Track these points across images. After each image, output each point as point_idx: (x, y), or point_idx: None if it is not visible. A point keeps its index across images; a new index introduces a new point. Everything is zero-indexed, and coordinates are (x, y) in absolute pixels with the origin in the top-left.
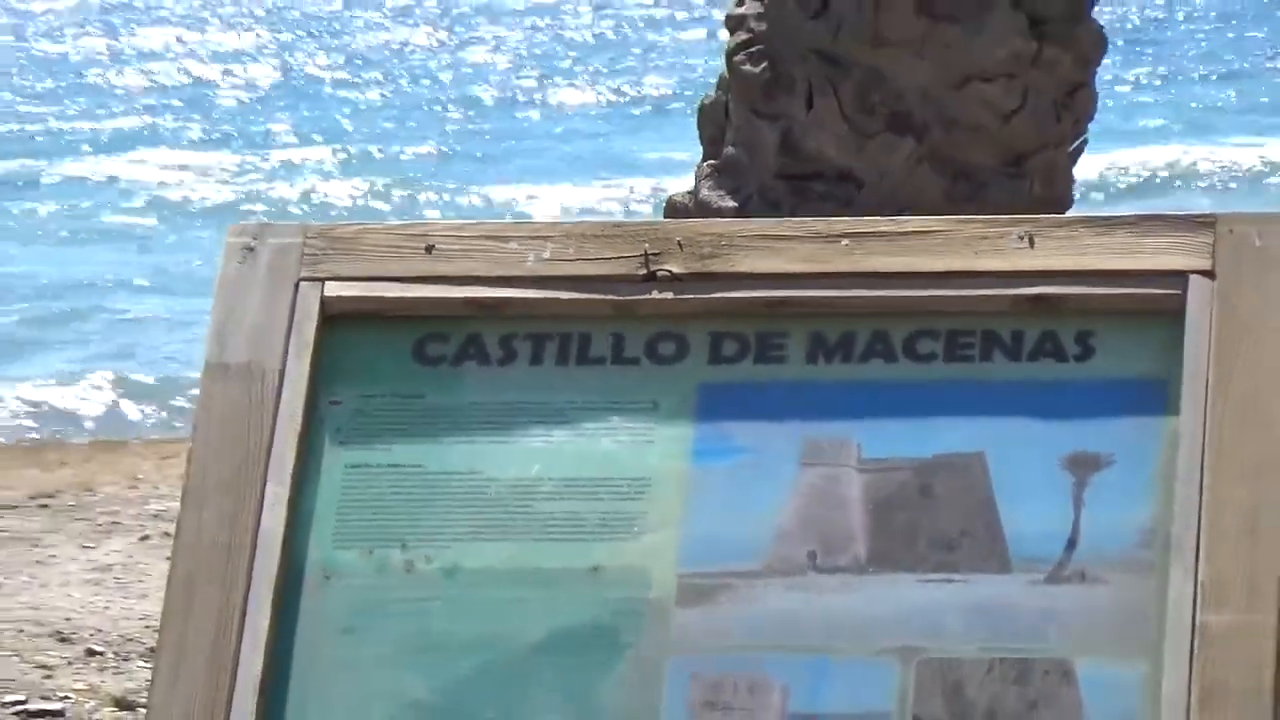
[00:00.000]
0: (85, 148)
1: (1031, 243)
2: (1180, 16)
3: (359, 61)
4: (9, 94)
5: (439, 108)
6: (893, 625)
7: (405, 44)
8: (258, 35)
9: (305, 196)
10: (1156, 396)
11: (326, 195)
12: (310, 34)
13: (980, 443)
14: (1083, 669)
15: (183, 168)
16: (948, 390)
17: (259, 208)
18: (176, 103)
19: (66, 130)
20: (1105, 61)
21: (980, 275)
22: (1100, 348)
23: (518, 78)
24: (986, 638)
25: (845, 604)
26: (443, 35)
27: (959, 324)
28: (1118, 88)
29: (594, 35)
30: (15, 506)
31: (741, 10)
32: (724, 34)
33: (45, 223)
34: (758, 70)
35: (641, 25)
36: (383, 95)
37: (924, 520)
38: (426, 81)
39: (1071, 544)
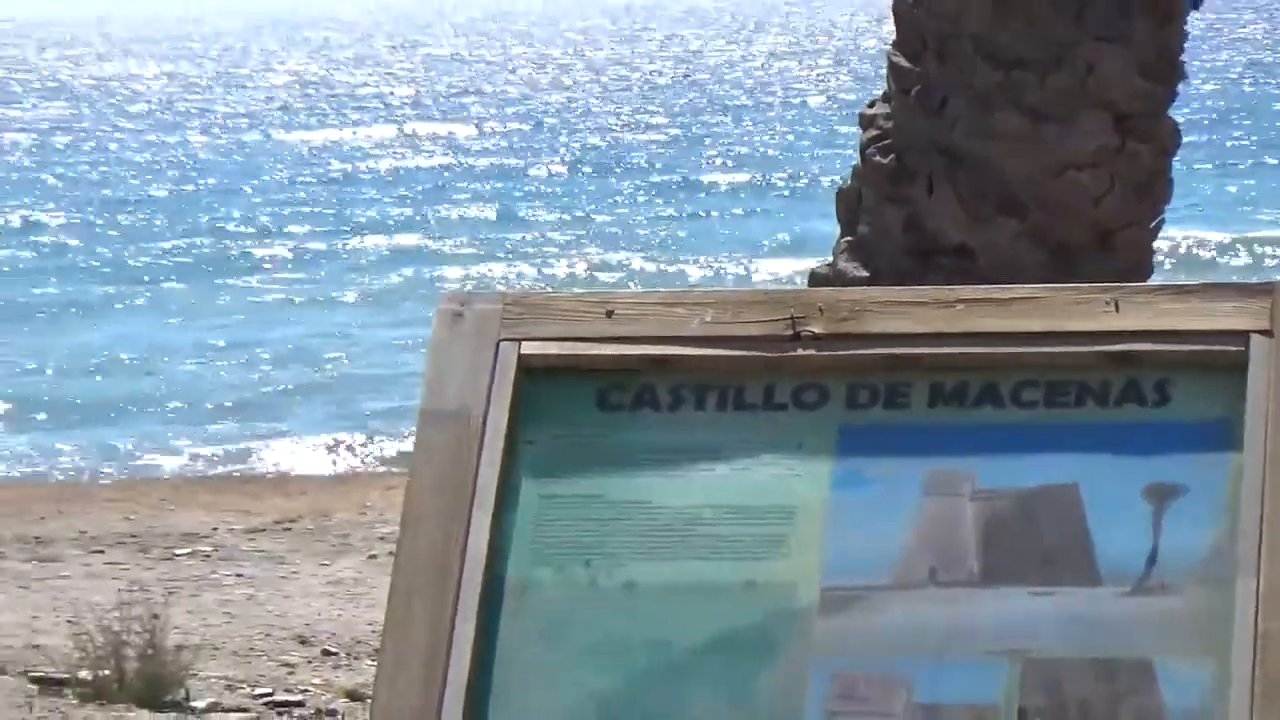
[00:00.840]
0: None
1: (1117, 307)
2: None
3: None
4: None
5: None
6: (1002, 631)
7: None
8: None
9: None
10: (1224, 436)
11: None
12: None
13: (1074, 476)
14: (1161, 667)
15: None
16: (1047, 432)
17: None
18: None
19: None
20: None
21: (1074, 335)
22: (1176, 395)
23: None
24: (1080, 641)
25: (961, 613)
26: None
27: (1056, 376)
28: (1196, 165)
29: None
30: (264, 530)
31: (873, 111)
32: (859, 130)
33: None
34: (886, 161)
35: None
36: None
37: (1027, 542)
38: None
39: (1152, 561)
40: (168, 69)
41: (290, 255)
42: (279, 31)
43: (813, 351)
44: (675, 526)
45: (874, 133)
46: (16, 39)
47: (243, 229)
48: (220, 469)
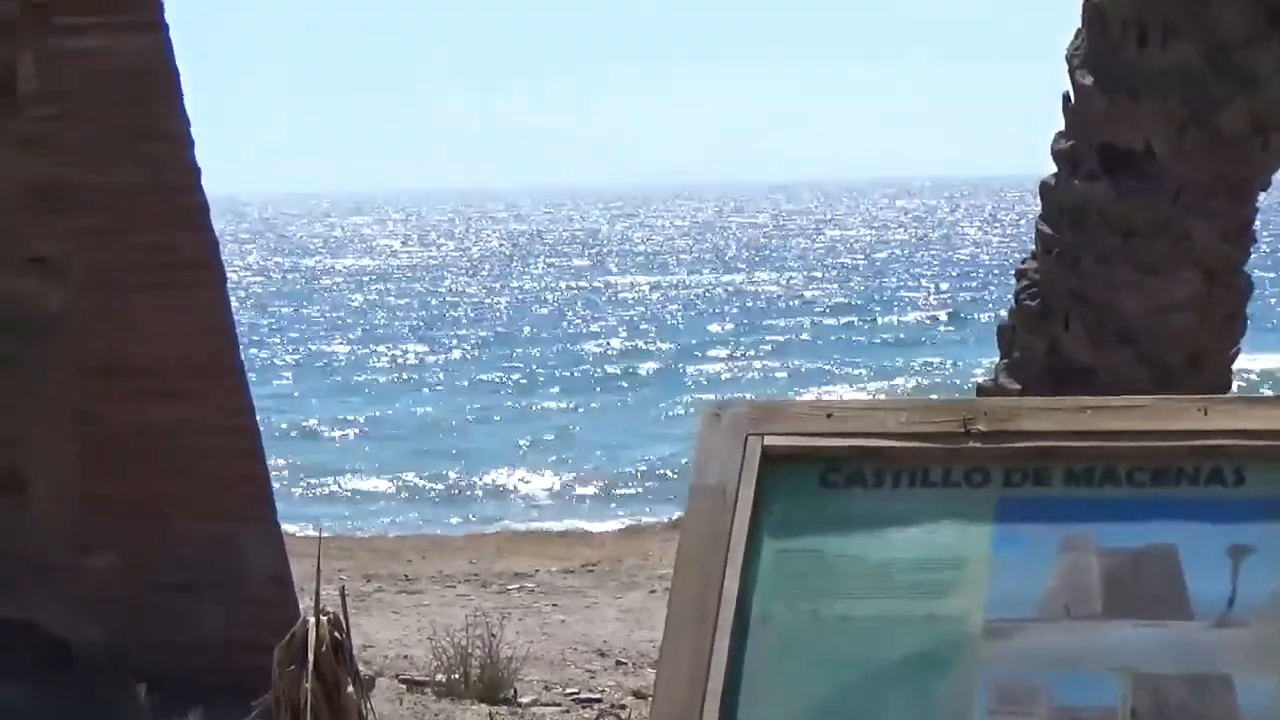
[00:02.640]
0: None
1: (1205, 412)
2: None
3: None
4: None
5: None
6: (1118, 653)
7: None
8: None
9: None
10: None
11: None
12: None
13: (1173, 537)
14: (1239, 682)
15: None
16: (1152, 504)
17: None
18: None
19: None
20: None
21: (1173, 433)
22: (1250, 478)
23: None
24: (1177, 662)
25: (1088, 639)
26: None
27: (1159, 462)
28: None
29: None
30: (573, 571)
31: (1024, 267)
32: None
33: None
34: (1034, 304)
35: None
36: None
37: (1137, 587)
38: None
39: (1231, 602)
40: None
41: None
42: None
43: (979, 444)
44: (876, 573)
45: (1025, 283)
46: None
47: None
48: (542, 526)
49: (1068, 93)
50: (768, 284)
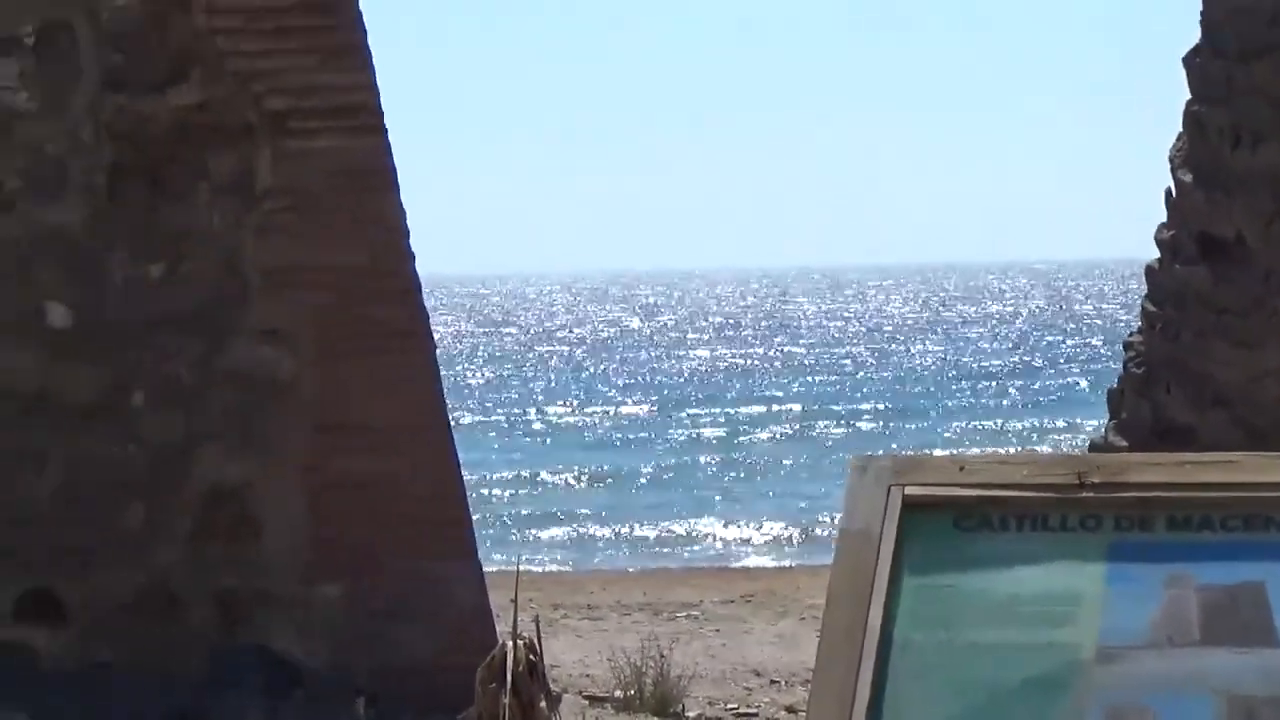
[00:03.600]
0: None
1: None
2: None
3: None
4: None
5: None
6: (1215, 677)
7: None
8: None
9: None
10: None
11: None
12: None
13: (1263, 576)
14: None
15: None
16: (1244, 547)
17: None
18: None
19: None
20: None
21: (1263, 484)
22: None
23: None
24: (1266, 684)
25: (1188, 665)
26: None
27: (1250, 510)
28: None
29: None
30: (733, 601)
31: (1131, 340)
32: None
33: None
34: (1140, 372)
35: None
36: None
37: (1231, 619)
38: None
39: None
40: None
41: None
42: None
43: (1092, 494)
44: (1002, 606)
45: (1132, 354)
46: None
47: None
48: (707, 563)
49: (1169, 188)
50: (930, 353)
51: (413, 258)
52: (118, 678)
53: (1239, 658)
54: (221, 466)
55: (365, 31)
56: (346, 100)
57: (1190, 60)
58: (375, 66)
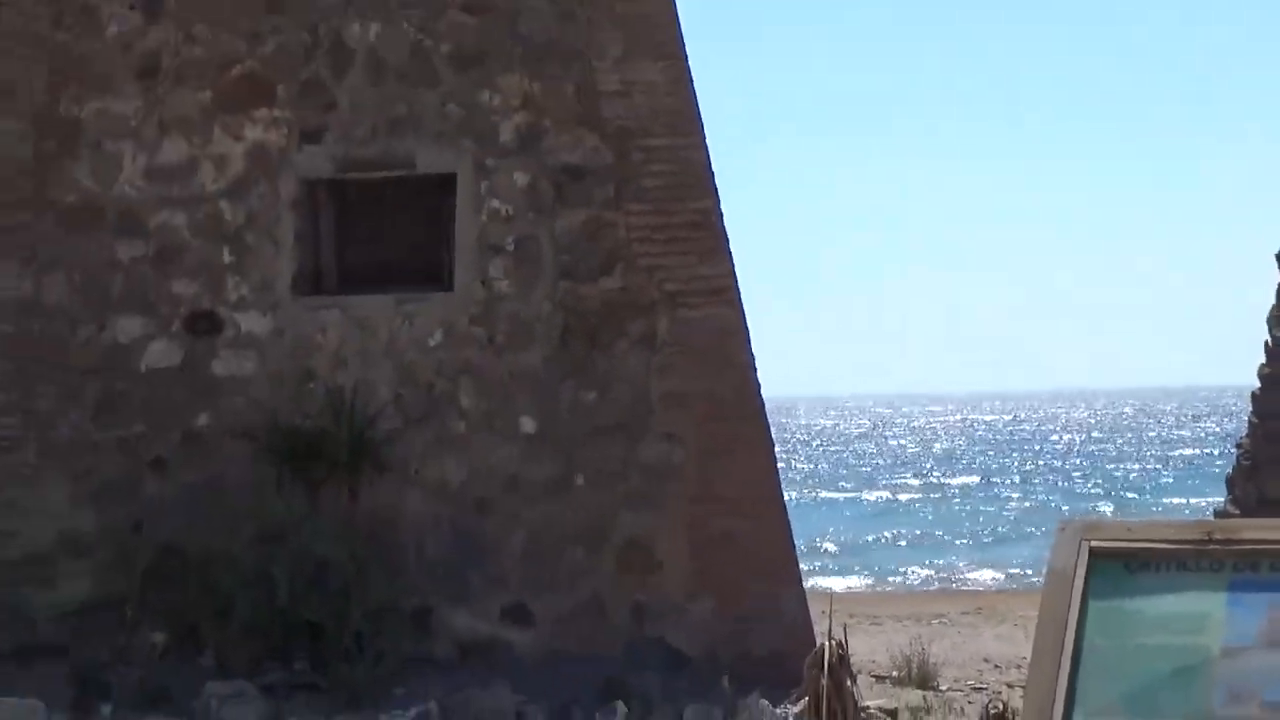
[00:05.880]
0: None
1: None
2: None
3: None
4: None
5: None
6: None
7: None
8: None
9: None
10: None
11: None
12: None
13: None
14: None
15: None
16: None
17: None
18: None
19: None
20: None
21: None
22: None
23: None
24: None
25: None
26: None
27: None
28: None
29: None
30: (969, 612)
31: (1241, 441)
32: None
33: None
34: (1248, 464)
35: None
36: None
37: None
38: None
39: None
40: None
41: None
42: None
43: (1217, 546)
44: (1157, 620)
45: (1242, 450)
46: None
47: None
48: (957, 586)
49: (1267, 340)
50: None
51: (759, 386)
52: (565, 660)
53: None
54: (635, 525)
55: (728, 239)
56: (715, 285)
57: None
58: (734, 259)
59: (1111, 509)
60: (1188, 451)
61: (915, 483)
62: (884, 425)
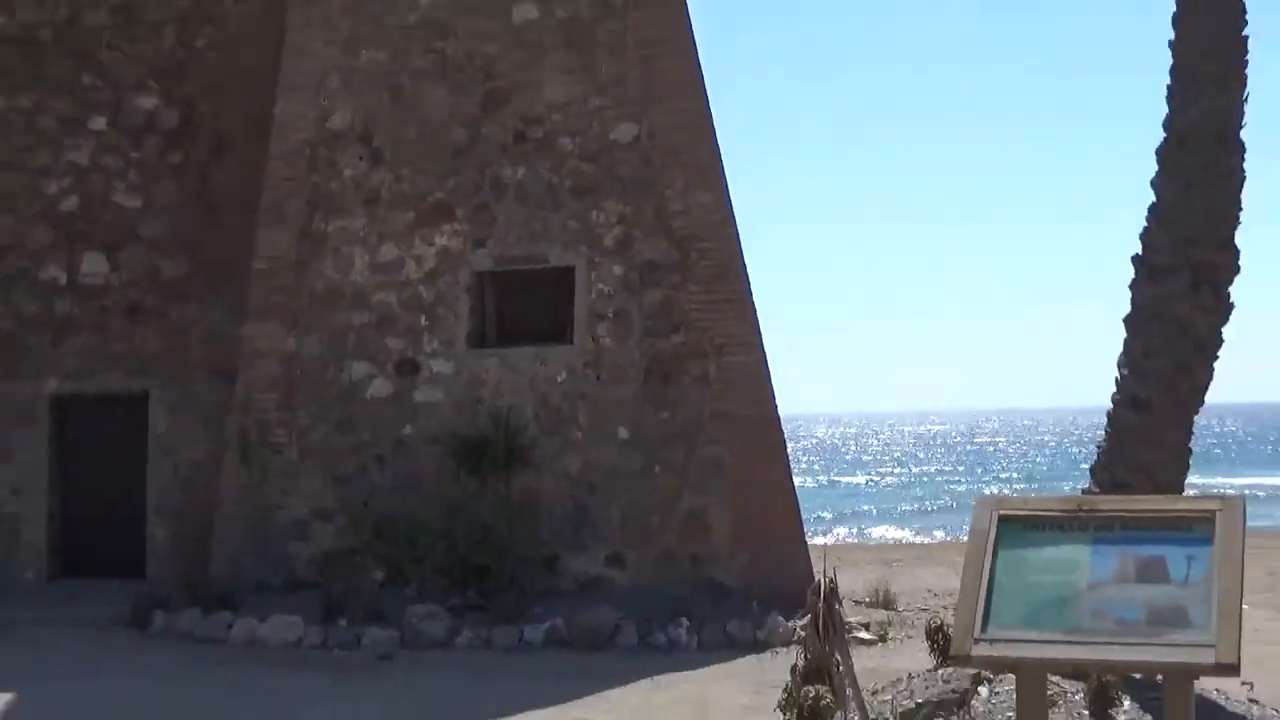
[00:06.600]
0: None
1: (1176, 503)
2: None
3: None
4: None
5: None
6: (1140, 595)
7: None
8: None
9: None
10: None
11: None
12: None
13: (1164, 553)
14: (1190, 610)
15: None
16: (1156, 539)
17: None
18: None
19: None
20: None
21: (1164, 510)
22: (1195, 529)
23: None
24: (1160, 594)
25: (1128, 591)
26: None
27: (1158, 521)
28: None
29: None
30: (917, 559)
31: (1099, 445)
32: None
33: None
34: (1103, 459)
35: None
36: None
37: (1147, 570)
38: None
39: (1186, 578)
40: None
41: None
42: None
43: (1084, 514)
44: (1044, 565)
45: (1100, 449)
46: None
47: None
48: (909, 541)
49: (1117, 377)
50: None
51: (777, 408)
52: (647, 592)
53: (1150, 586)
54: (693, 502)
55: (755, 308)
56: (745, 340)
57: None
58: (759, 321)
59: (1023, 488)
60: (1075, 450)
61: (886, 472)
62: (866, 434)
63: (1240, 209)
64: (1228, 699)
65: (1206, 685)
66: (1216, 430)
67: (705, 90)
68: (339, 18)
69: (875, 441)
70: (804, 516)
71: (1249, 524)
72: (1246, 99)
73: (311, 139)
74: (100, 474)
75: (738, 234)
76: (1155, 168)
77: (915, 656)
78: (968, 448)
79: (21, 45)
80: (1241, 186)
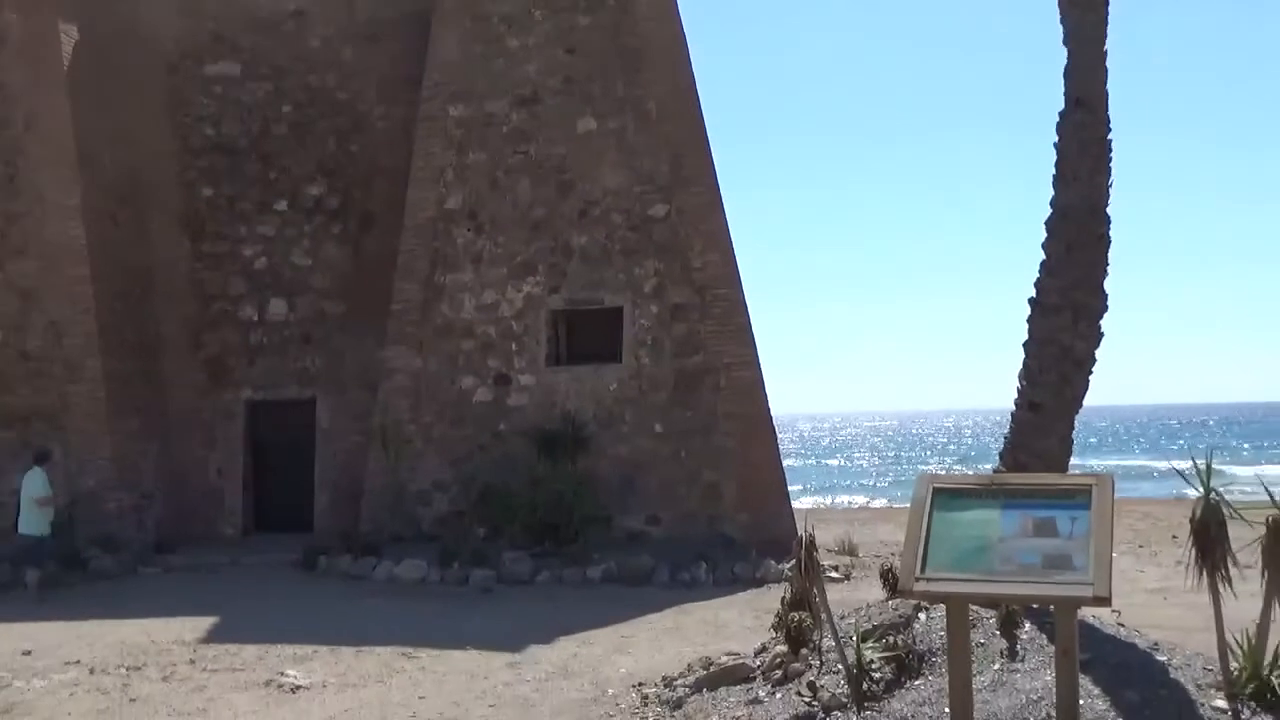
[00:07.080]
0: None
1: (1063, 479)
2: None
3: None
4: None
5: None
6: (1036, 547)
7: None
8: None
9: None
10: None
11: None
12: None
13: (1055, 515)
14: (1075, 558)
15: None
16: (1049, 506)
17: None
18: None
19: None
20: None
21: (1056, 483)
22: (1078, 497)
23: None
24: (1053, 546)
25: (1028, 542)
26: None
27: (1050, 492)
28: None
29: None
30: (874, 519)
31: (1007, 432)
32: None
33: None
34: (1011, 442)
35: None
36: None
37: (1042, 529)
38: None
39: (1070, 533)
40: None
41: None
42: None
43: (996, 487)
44: (967, 522)
45: (1007, 438)
46: None
47: None
48: (867, 505)
49: (1018, 388)
50: None
51: (769, 409)
52: (676, 543)
53: (1044, 540)
54: (710, 477)
55: (754, 337)
56: (746, 359)
57: None
58: (756, 338)
59: (959, 468)
60: (991, 440)
61: (854, 456)
62: (841, 427)
63: (1108, 264)
64: (1101, 623)
65: (1085, 613)
66: (1094, 426)
67: (717, 179)
68: (453, 129)
69: (846, 434)
70: (789, 487)
71: (1116, 494)
72: (1111, 185)
73: (433, 216)
74: (280, 457)
75: (741, 283)
76: (1045, 233)
77: (872, 591)
78: (904, 438)
79: (226, 151)
80: (1108, 248)
